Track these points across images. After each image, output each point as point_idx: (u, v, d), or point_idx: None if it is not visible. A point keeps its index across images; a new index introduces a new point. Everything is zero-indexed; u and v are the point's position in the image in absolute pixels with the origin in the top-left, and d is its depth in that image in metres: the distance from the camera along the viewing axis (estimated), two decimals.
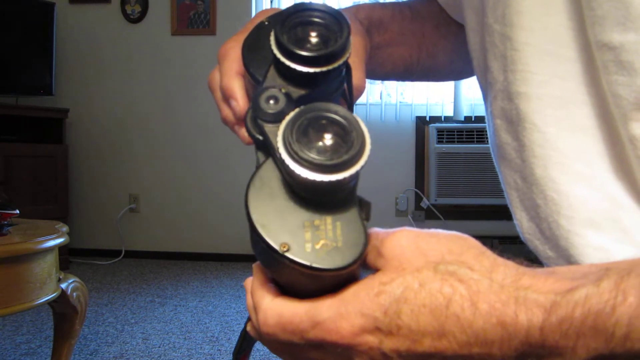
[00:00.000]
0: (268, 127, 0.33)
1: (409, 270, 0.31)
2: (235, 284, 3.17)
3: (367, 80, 0.51)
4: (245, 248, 3.75)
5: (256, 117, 0.33)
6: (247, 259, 3.74)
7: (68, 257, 3.53)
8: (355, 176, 0.30)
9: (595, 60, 0.40)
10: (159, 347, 2.19)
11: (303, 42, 0.34)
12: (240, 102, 0.41)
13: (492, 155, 0.52)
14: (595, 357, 0.29)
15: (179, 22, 3.82)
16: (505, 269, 0.31)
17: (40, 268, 1.42)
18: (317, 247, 0.30)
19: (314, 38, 0.34)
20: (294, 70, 0.33)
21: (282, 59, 0.33)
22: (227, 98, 0.42)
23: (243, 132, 0.41)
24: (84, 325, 1.75)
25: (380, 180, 3.54)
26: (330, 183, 0.29)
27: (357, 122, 0.30)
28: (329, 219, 0.30)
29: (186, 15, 3.81)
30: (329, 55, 0.33)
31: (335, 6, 0.58)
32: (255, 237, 0.31)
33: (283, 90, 0.34)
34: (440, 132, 3.54)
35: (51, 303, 1.54)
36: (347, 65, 0.37)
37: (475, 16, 0.51)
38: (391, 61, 0.65)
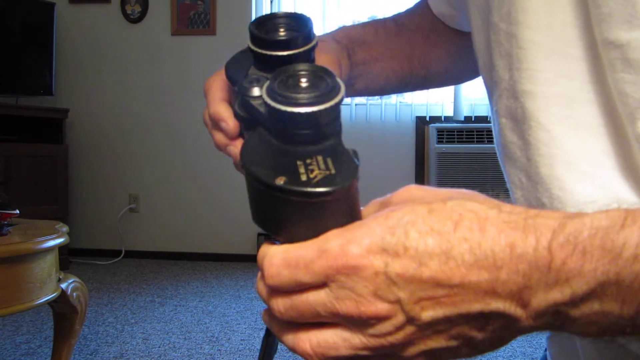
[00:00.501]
0: (254, 102, 0.37)
1: (419, 203, 0.32)
2: (235, 284, 3.17)
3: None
4: (245, 248, 3.76)
5: (243, 96, 0.38)
6: (247, 259, 3.74)
7: (68, 257, 3.53)
8: (338, 111, 0.33)
9: (601, 58, 0.40)
10: (159, 347, 2.19)
11: (275, 33, 0.40)
12: (230, 122, 0.44)
13: (498, 155, 0.52)
14: (602, 284, 0.28)
15: (179, 22, 3.82)
16: (513, 206, 0.31)
17: (40, 268, 1.42)
18: (312, 176, 0.32)
19: (283, 31, 0.40)
20: (269, 56, 0.39)
21: (258, 49, 0.39)
22: (216, 122, 0.45)
23: (235, 151, 0.44)
24: (84, 325, 1.75)
25: (380, 180, 3.53)
26: (316, 113, 0.32)
27: (328, 70, 0.34)
28: (319, 157, 0.33)
29: (186, 15, 3.81)
30: (296, 38, 0.39)
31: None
32: (254, 183, 0.33)
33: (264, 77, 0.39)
34: (440, 132, 3.54)
35: (51, 303, 1.54)
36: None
37: (481, 15, 0.51)
38: (384, 75, 0.66)
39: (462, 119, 3.56)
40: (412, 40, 0.67)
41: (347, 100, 3.71)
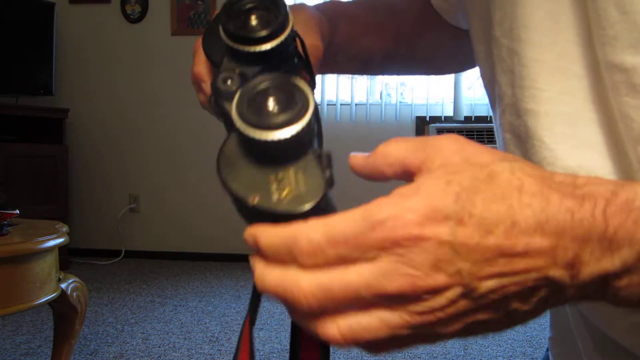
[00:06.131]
0: (227, 105, 0.36)
1: (475, 164, 0.30)
2: (235, 284, 3.17)
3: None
4: (245, 248, 3.74)
5: (217, 98, 0.37)
6: (247, 259, 3.72)
7: (68, 257, 3.53)
8: (307, 130, 0.33)
9: (602, 78, 0.39)
10: (159, 347, 2.19)
11: (247, 26, 0.38)
12: (210, 83, 0.43)
13: None
14: None
15: (179, 22, 3.82)
16: (561, 173, 0.31)
17: (40, 268, 1.42)
18: (282, 195, 0.32)
19: (255, 21, 0.39)
20: (244, 52, 0.38)
21: (232, 44, 0.38)
22: (198, 83, 0.45)
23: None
24: (84, 325, 1.75)
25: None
26: (284, 140, 0.32)
27: (296, 84, 0.34)
28: (291, 171, 0.33)
29: (186, 15, 3.81)
30: (271, 33, 0.38)
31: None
32: (232, 197, 0.34)
33: (237, 72, 0.38)
34: (440, 132, 3.54)
35: (51, 303, 1.54)
36: (295, 34, 0.43)
37: (481, 24, 0.50)
38: (367, 50, 0.66)
39: (462, 119, 3.55)
40: (400, 21, 0.67)
41: (347, 99, 3.71)
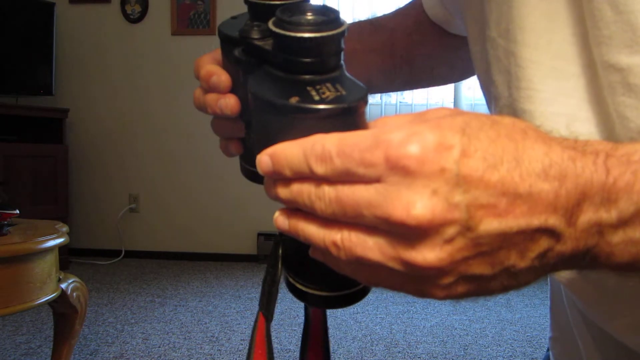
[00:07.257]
0: (258, 42, 0.37)
1: (478, 114, 0.31)
2: (235, 284, 3.17)
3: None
4: (245, 248, 3.75)
5: (246, 38, 0.38)
6: (248, 259, 3.74)
7: (68, 257, 3.53)
8: (341, 43, 0.34)
9: (599, 77, 0.40)
10: (159, 347, 2.19)
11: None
12: (222, 75, 0.43)
13: None
14: None
15: (179, 22, 3.82)
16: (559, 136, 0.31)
17: (40, 268, 1.42)
18: (324, 96, 0.32)
19: None
20: (268, 5, 0.38)
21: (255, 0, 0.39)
22: (208, 80, 0.44)
23: (227, 101, 0.43)
24: (84, 325, 1.75)
25: None
26: (321, 39, 0.33)
27: (333, 8, 0.35)
28: (328, 84, 0.34)
29: (186, 15, 3.81)
30: None
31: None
32: (265, 108, 0.33)
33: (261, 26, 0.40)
34: None
35: (51, 303, 1.54)
36: None
37: (477, 26, 0.50)
38: (365, 68, 0.65)
39: None
40: (392, 37, 0.67)
41: None
